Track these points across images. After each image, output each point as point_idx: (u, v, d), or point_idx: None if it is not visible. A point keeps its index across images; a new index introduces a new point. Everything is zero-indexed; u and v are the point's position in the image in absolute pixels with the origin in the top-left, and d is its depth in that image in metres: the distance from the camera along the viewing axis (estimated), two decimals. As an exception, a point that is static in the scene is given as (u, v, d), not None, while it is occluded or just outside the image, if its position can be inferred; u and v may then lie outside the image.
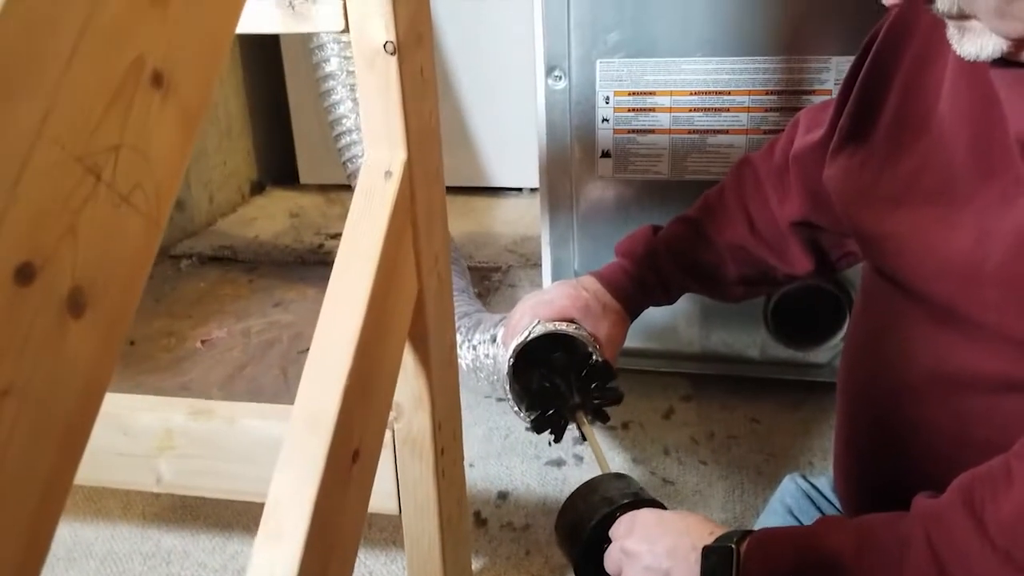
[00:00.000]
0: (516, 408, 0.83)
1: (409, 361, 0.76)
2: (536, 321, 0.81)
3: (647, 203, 1.18)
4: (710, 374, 1.31)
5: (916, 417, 0.64)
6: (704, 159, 1.13)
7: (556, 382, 0.82)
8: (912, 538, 0.51)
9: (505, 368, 0.82)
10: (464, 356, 1.20)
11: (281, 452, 0.59)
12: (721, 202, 0.87)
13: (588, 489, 0.69)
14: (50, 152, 0.35)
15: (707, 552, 0.58)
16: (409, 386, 0.77)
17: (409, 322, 0.73)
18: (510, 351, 0.82)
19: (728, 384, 1.30)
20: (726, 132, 1.10)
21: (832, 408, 1.23)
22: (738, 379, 1.30)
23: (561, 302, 0.83)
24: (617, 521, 0.65)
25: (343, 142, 1.53)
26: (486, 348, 1.19)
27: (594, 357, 0.80)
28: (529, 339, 0.81)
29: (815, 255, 0.84)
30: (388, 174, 0.68)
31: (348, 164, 1.54)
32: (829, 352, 1.23)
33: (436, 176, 0.77)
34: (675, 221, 0.90)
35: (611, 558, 0.64)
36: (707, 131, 1.11)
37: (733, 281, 0.88)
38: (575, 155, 1.17)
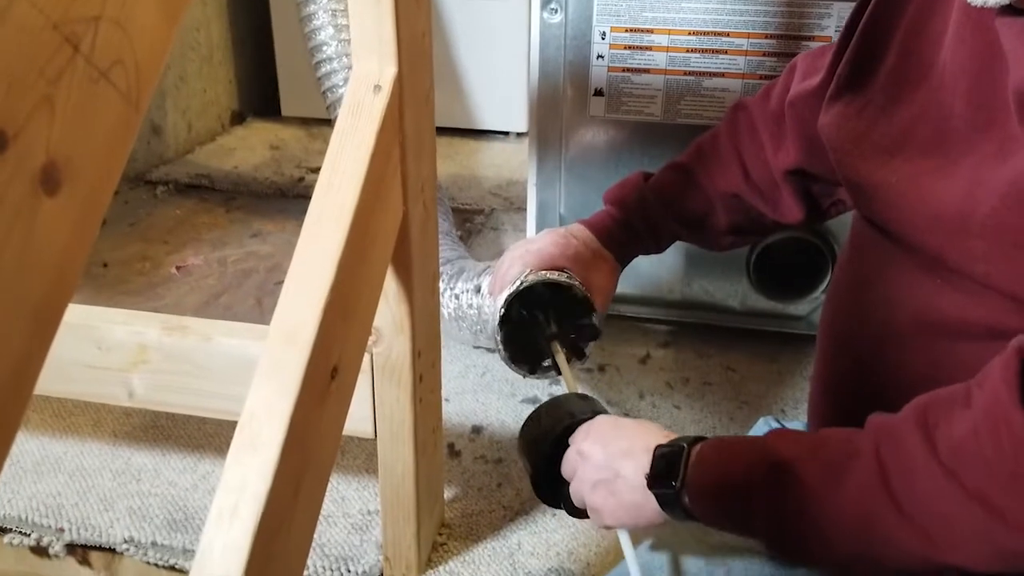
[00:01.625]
0: (507, 362, 0.82)
1: (391, 286, 0.75)
2: (527, 271, 0.80)
3: (637, 146, 1.16)
4: (689, 322, 1.31)
5: (899, 365, 0.64)
6: (698, 102, 1.11)
7: (535, 313, 0.81)
8: (861, 449, 0.51)
9: (494, 319, 0.81)
10: (446, 304, 1.18)
11: (258, 365, 0.58)
12: (715, 148, 0.86)
13: (553, 404, 0.70)
14: (27, 14, 0.33)
15: (659, 450, 0.59)
16: (390, 311, 0.76)
17: (392, 246, 0.71)
18: (500, 301, 0.80)
19: (706, 333, 1.30)
20: (722, 75, 1.09)
21: (807, 360, 1.25)
22: (716, 328, 1.30)
23: (551, 250, 0.82)
24: (576, 429, 0.66)
25: (323, 70, 1.49)
26: (469, 298, 1.17)
27: (575, 291, 0.80)
28: (521, 288, 0.79)
29: (806, 204, 0.83)
30: (377, 88, 0.66)
31: (328, 94, 1.50)
32: (809, 305, 1.23)
33: (426, 99, 0.75)
34: (666, 168, 0.89)
35: (567, 461, 0.65)
36: (703, 73, 1.09)
37: (723, 230, 0.87)
38: (567, 92, 1.15)
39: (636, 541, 0.69)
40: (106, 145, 0.38)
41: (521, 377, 0.84)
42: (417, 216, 0.74)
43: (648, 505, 0.60)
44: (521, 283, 0.79)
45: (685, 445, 0.58)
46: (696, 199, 0.86)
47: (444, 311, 1.18)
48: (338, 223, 0.62)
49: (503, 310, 0.80)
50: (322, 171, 0.64)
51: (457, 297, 1.18)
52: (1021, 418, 0.45)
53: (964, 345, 0.58)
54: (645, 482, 0.59)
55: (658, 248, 0.89)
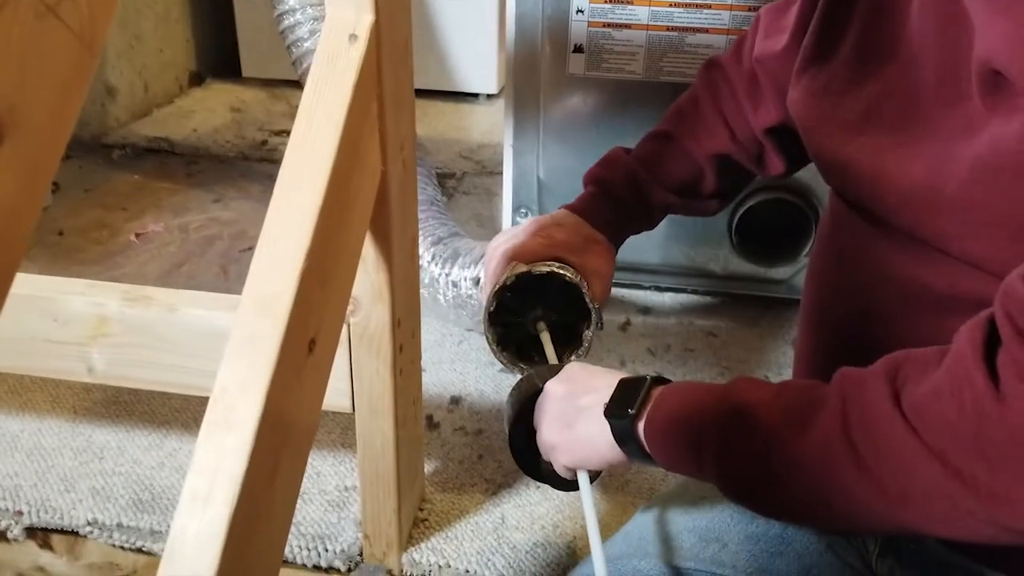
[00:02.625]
0: (503, 362, 0.78)
1: (369, 252, 0.71)
2: (513, 265, 0.76)
3: (619, 106, 1.12)
4: (669, 288, 1.29)
5: (884, 339, 0.62)
6: (681, 60, 1.07)
7: (526, 309, 0.78)
8: (826, 397, 0.49)
9: (484, 322, 0.77)
10: (443, 291, 1.13)
11: (230, 337, 0.54)
12: (697, 111, 0.84)
13: (535, 372, 0.67)
14: (-46, -68, 0.28)
15: (622, 382, 0.59)
16: (369, 279, 0.72)
17: (371, 208, 0.67)
18: (485, 302, 0.76)
19: (687, 299, 1.28)
20: (706, 31, 1.05)
21: (789, 325, 1.23)
22: (697, 294, 1.28)
23: (536, 245, 0.77)
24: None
25: (285, 23, 1.40)
26: (469, 288, 1.12)
27: (567, 280, 0.75)
28: (507, 283, 0.75)
29: (788, 157, 0.82)
30: (353, 37, 0.61)
31: (292, 49, 1.43)
32: (791, 268, 1.21)
33: (405, 50, 0.70)
34: (648, 139, 0.85)
35: (537, 409, 0.65)
36: (686, 29, 1.05)
37: (709, 195, 0.85)
38: (545, 49, 1.11)
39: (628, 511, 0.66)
40: (56, 91, 0.33)
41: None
42: (396, 176, 0.70)
43: (603, 438, 0.58)
44: (505, 279, 0.75)
45: (648, 378, 0.57)
46: (685, 165, 0.83)
47: (441, 297, 1.14)
48: (314, 183, 0.57)
49: (491, 307, 0.76)
50: (295, 127, 0.60)
51: (455, 284, 1.12)
52: (983, 379, 0.43)
53: (952, 319, 0.56)
54: (602, 411, 0.58)
55: (650, 224, 0.86)
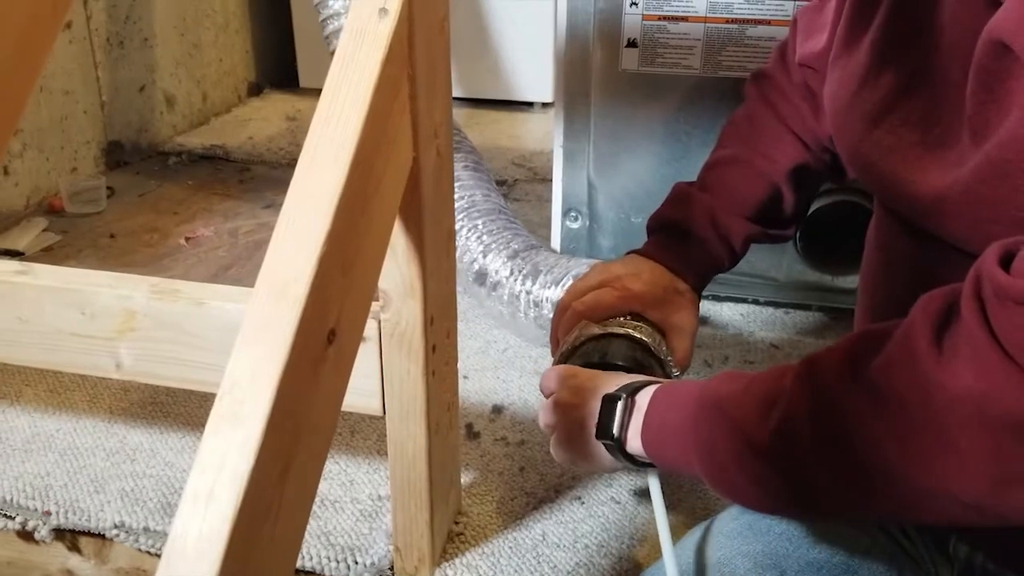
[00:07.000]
0: None
1: (400, 244, 0.67)
2: (582, 324, 0.71)
3: (674, 103, 1.07)
4: (728, 297, 1.22)
5: None
6: (741, 53, 1.01)
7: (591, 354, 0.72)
8: (786, 375, 0.48)
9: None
10: (524, 309, 1.09)
11: (242, 325, 0.50)
12: (760, 128, 0.78)
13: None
14: None
15: (604, 400, 0.60)
16: (400, 272, 0.68)
17: (400, 195, 0.63)
18: (555, 363, 0.71)
19: (747, 309, 1.21)
20: (768, 23, 0.99)
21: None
22: (759, 304, 1.21)
23: (611, 296, 0.72)
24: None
25: (330, 28, 1.39)
26: (550, 310, 1.08)
27: (643, 341, 0.69)
28: (576, 344, 0.70)
29: None
30: (383, 12, 0.58)
31: (332, 38, 1.41)
32: (858, 277, 1.13)
33: (440, 28, 0.66)
34: (713, 167, 0.78)
35: (550, 407, 0.66)
36: (747, 20, 0.99)
37: (790, 216, 0.79)
38: (597, 44, 1.06)
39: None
40: (18, 31, 0.30)
41: None
42: (430, 164, 0.66)
43: (603, 457, 0.61)
44: (574, 340, 0.70)
45: (623, 396, 0.58)
46: (762, 187, 0.76)
47: (522, 316, 1.09)
48: (336, 162, 0.54)
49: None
50: (318, 108, 0.56)
51: (537, 304, 1.08)
52: (926, 347, 0.41)
53: None
54: (593, 435, 0.61)
55: (733, 261, 0.79)
